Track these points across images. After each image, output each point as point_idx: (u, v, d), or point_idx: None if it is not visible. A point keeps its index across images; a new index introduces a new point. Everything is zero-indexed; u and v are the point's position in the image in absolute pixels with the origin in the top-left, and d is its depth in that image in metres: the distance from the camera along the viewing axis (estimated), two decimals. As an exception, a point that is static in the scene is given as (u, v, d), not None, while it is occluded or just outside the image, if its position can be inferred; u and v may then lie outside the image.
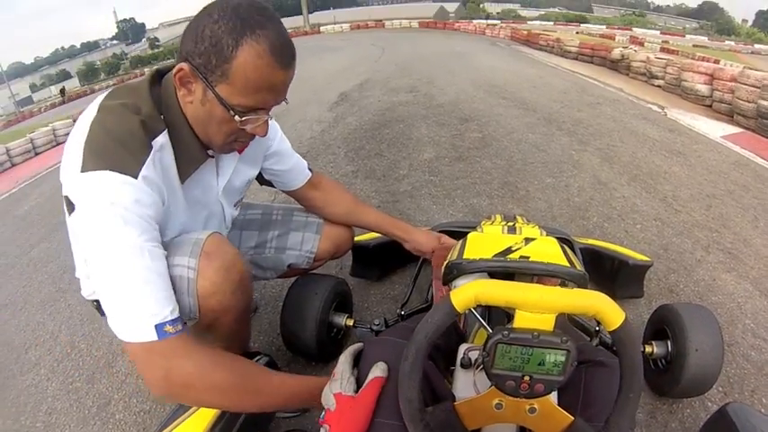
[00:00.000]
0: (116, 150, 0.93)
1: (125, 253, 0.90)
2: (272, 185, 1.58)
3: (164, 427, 1.10)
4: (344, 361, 1.05)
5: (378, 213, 1.75)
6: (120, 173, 0.91)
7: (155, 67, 1.11)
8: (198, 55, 0.94)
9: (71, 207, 0.95)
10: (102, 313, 1.23)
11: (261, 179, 1.55)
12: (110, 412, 1.71)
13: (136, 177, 0.93)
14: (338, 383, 0.98)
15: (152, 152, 0.98)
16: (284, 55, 0.97)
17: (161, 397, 0.98)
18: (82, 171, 0.90)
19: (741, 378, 1.63)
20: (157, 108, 1.03)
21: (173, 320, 0.92)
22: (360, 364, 1.05)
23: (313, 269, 1.74)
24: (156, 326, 0.89)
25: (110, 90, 1.06)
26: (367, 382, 0.97)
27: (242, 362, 1.03)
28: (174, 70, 0.98)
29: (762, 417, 1.14)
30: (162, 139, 1.02)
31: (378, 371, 0.98)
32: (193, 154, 1.11)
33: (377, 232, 1.78)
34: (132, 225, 0.91)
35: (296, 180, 1.57)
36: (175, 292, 0.99)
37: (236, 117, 1.00)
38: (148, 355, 0.91)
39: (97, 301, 1.19)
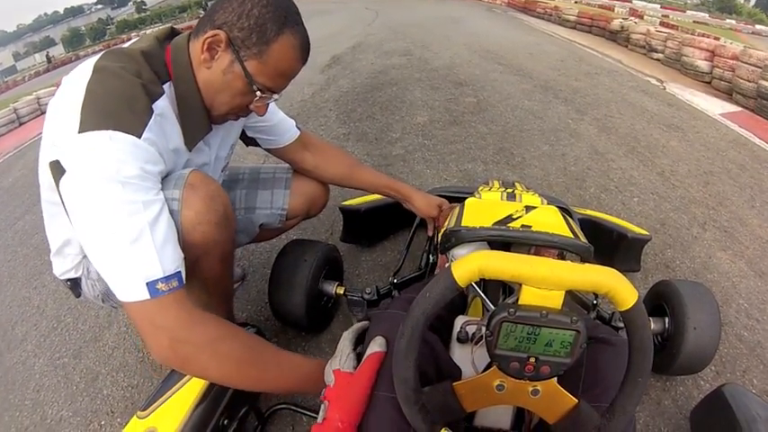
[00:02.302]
0: (119, 110, 0.92)
1: (118, 213, 0.87)
2: (258, 144, 1.52)
3: (152, 401, 1.07)
4: (346, 338, 1.04)
5: (375, 174, 1.70)
6: (124, 132, 0.90)
7: (153, 34, 1.12)
8: (239, 29, 1.01)
9: (60, 172, 0.91)
10: (78, 294, 1.28)
11: (246, 139, 1.50)
12: (97, 388, 1.66)
13: (139, 137, 0.92)
14: (338, 360, 0.98)
15: (153, 116, 0.97)
16: (307, 52, 1.12)
17: (163, 364, 0.98)
18: (80, 132, 0.87)
19: (734, 358, 1.62)
20: (158, 75, 1.03)
21: (166, 277, 0.90)
22: (365, 340, 1.02)
23: (287, 228, 1.69)
24: (147, 283, 0.88)
25: (100, 54, 1.03)
26: (365, 357, 0.95)
27: (248, 334, 1.03)
28: (208, 35, 1.01)
29: (756, 398, 1.15)
30: (162, 104, 1.02)
31: (376, 346, 0.95)
32: (201, 122, 1.13)
33: (375, 193, 1.73)
34: (131, 186, 0.89)
35: (283, 137, 1.51)
36: None
37: (258, 93, 1.08)
38: (147, 319, 0.91)
39: (70, 281, 1.24)
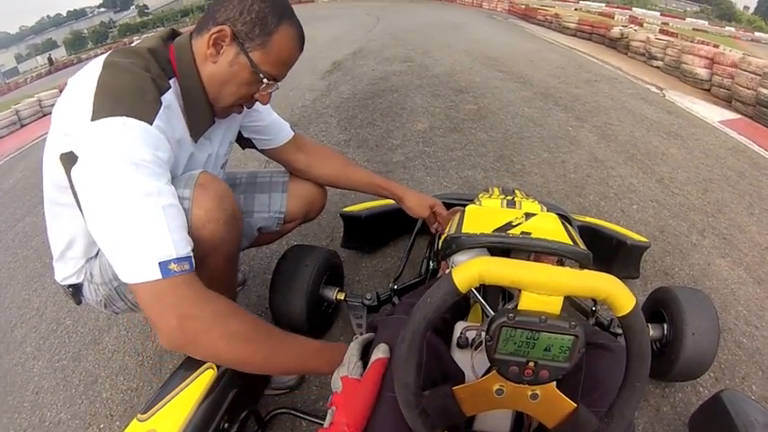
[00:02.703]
0: (131, 98, 0.96)
1: (133, 194, 0.90)
2: (254, 146, 1.56)
3: (152, 404, 1.07)
4: (353, 347, 1.07)
5: (368, 173, 1.73)
6: (137, 119, 0.94)
7: (158, 34, 1.17)
8: (242, 23, 1.08)
9: (72, 161, 0.93)
10: (79, 301, 1.30)
11: (241, 141, 1.54)
12: (97, 391, 1.66)
13: (151, 124, 0.96)
14: (346, 368, 1.01)
15: (162, 107, 1.01)
16: (303, 41, 1.20)
17: (171, 347, 0.98)
18: (93, 119, 0.91)
19: (732, 364, 1.62)
20: (165, 71, 1.08)
21: (179, 259, 0.92)
22: (372, 347, 1.04)
23: (285, 232, 1.71)
24: (159, 263, 0.89)
25: (109, 52, 1.08)
26: (370, 364, 0.97)
27: (253, 315, 1.05)
28: (213, 30, 1.07)
29: (754, 404, 1.15)
30: (169, 98, 1.06)
31: (380, 353, 0.98)
32: (205, 115, 1.18)
33: (369, 193, 1.74)
34: (145, 169, 0.92)
35: (277, 137, 1.56)
36: None
37: (265, 80, 1.14)
38: (157, 299, 0.91)
39: (71, 287, 1.26)
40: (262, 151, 1.58)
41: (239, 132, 1.49)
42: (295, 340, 1.10)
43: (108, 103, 0.93)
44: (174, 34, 1.19)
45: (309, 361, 1.08)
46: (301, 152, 1.61)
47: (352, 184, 1.69)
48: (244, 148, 1.58)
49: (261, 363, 1.03)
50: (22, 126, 9.16)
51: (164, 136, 1.00)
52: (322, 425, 1.32)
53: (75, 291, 1.28)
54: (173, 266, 0.90)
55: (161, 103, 1.02)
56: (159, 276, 0.89)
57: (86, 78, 0.98)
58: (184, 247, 0.94)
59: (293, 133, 1.59)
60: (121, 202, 0.89)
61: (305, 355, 1.08)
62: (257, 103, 1.25)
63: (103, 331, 1.94)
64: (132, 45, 1.12)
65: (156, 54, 1.08)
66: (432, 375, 0.92)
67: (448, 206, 1.68)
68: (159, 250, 0.90)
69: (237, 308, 1.02)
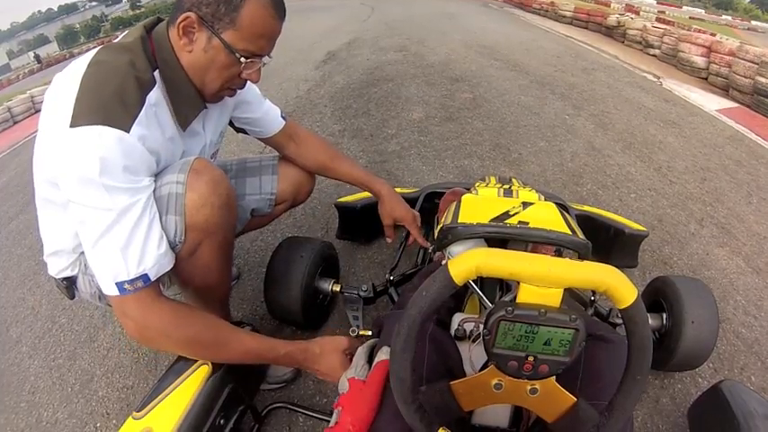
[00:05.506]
0: (110, 104, 0.95)
1: (101, 220, 0.95)
2: (247, 133, 1.57)
3: (147, 402, 1.08)
4: (361, 351, 1.13)
5: (354, 167, 1.74)
6: (113, 127, 0.94)
7: (141, 24, 1.14)
8: (206, 5, 1.03)
9: (57, 186, 1.00)
10: (72, 296, 1.31)
11: (234, 127, 1.54)
12: (93, 389, 1.65)
13: (128, 131, 0.96)
14: (353, 370, 1.06)
15: (145, 107, 1.01)
16: (281, 8, 1.11)
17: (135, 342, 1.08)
18: (72, 126, 0.92)
19: (731, 355, 1.62)
20: (150, 63, 1.06)
21: (131, 280, 1.00)
22: (377, 346, 1.10)
23: (277, 215, 1.71)
24: (116, 283, 0.99)
25: (99, 48, 1.07)
26: (373, 366, 1.02)
27: (203, 319, 1.12)
28: (180, 19, 1.03)
29: (754, 395, 1.15)
30: (155, 95, 1.06)
31: (383, 355, 1.01)
32: (192, 102, 1.16)
33: (354, 185, 1.75)
34: (114, 190, 0.95)
35: (269, 127, 1.57)
36: (163, 215, 1.06)
37: (242, 59, 1.09)
38: (118, 308, 1.04)
39: (65, 280, 1.28)
40: (256, 137, 1.60)
41: (231, 121, 1.50)
42: (239, 342, 1.17)
43: (86, 109, 0.93)
44: (158, 22, 1.16)
45: (252, 358, 1.19)
46: (292, 141, 1.62)
47: (337, 175, 1.70)
48: (237, 132, 1.58)
49: (207, 359, 1.16)
50: (15, 123, 9.05)
51: (141, 143, 1.00)
52: (319, 419, 1.33)
53: (70, 284, 1.28)
54: (126, 286, 0.99)
55: (144, 104, 1.01)
56: (117, 293, 1.00)
57: (71, 77, 0.98)
58: (137, 267, 1.00)
59: (284, 123, 1.59)
60: (88, 223, 0.96)
61: (249, 354, 1.18)
62: (247, 91, 1.26)
63: (98, 329, 1.92)
64: (119, 39, 1.11)
65: (144, 46, 1.07)
66: (437, 369, 0.92)
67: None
68: (115, 273, 0.98)
69: (185, 318, 1.09)
